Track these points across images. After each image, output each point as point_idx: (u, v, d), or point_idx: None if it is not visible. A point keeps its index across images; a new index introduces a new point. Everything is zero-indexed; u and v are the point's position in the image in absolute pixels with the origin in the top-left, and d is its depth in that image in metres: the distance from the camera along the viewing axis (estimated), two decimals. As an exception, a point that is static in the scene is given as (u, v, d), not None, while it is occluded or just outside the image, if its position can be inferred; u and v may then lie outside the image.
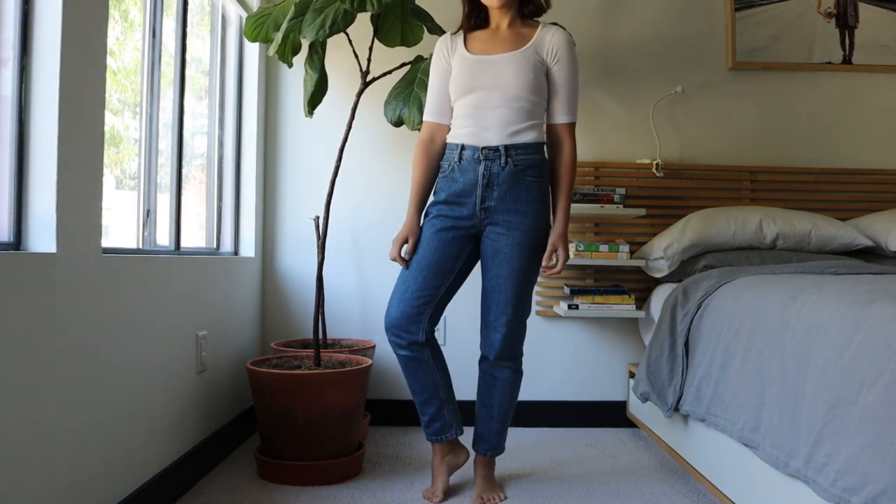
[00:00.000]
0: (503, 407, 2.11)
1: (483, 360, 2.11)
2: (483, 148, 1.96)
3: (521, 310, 2.03)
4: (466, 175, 1.98)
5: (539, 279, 2.93)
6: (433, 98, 2.09)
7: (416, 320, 2.01)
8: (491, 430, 2.12)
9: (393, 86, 2.52)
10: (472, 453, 2.16)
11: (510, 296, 2.00)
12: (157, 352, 1.89)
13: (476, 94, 1.97)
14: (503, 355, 2.05)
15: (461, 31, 2.07)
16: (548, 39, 2.01)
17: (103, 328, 1.58)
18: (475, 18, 2.06)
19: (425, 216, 2.06)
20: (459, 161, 1.99)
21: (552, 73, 2.01)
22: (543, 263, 2.02)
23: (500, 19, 2.03)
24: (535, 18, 2.08)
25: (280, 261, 2.96)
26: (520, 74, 1.95)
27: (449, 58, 2.05)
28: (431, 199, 2.06)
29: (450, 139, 2.04)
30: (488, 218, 1.99)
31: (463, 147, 1.99)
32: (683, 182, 2.96)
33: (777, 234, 2.60)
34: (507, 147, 1.95)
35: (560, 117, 2.04)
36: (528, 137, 1.98)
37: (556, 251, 2.02)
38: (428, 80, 2.14)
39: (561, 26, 2.12)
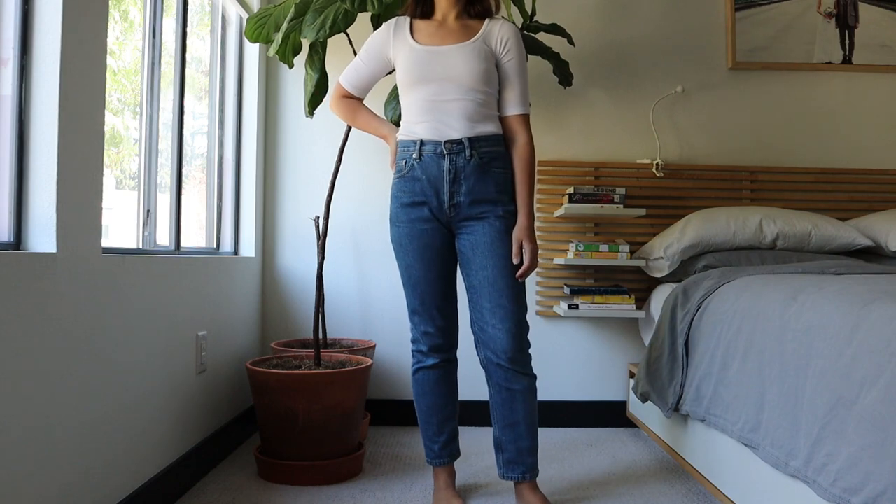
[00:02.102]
0: (529, 420, 1.94)
1: (494, 373, 1.92)
2: (446, 142, 1.88)
3: (518, 303, 1.90)
4: (429, 170, 1.89)
5: (540, 279, 2.94)
6: (360, 75, 2.05)
7: (454, 331, 2.02)
8: (523, 450, 1.94)
9: (393, 86, 2.52)
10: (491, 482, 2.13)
11: (502, 286, 1.87)
12: (157, 352, 1.89)
13: (431, 87, 1.90)
14: (515, 357, 1.88)
15: (406, 19, 2.00)
16: (496, 31, 1.96)
17: (103, 328, 1.58)
18: (422, 6, 2.00)
19: (396, 224, 1.96)
20: (420, 157, 1.90)
21: (502, 64, 1.96)
22: (514, 262, 1.90)
23: (447, 11, 1.98)
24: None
25: (280, 261, 2.96)
26: (472, 65, 1.89)
27: (390, 47, 1.98)
28: (393, 204, 1.96)
29: (404, 136, 1.95)
30: (459, 214, 1.90)
31: (422, 142, 1.90)
32: (683, 182, 2.96)
33: (777, 234, 2.60)
34: (470, 139, 1.88)
35: (514, 109, 1.97)
36: (490, 129, 1.92)
37: (521, 246, 1.89)
38: None
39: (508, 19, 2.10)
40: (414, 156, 1.91)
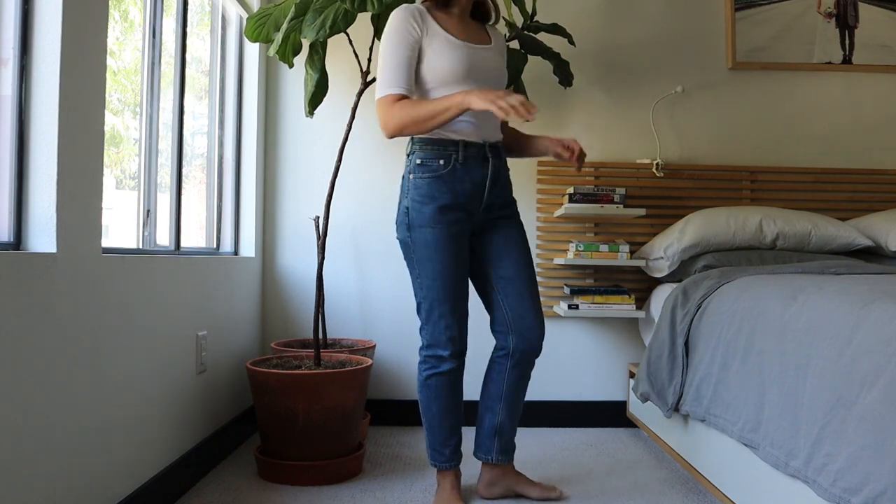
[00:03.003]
0: (522, 403, 2.09)
1: (521, 359, 2.00)
2: (490, 145, 1.91)
3: (538, 291, 2.04)
4: (473, 173, 1.88)
5: (540, 279, 2.94)
6: (403, 70, 1.80)
7: (464, 335, 1.97)
8: (515, 432, 2.07)
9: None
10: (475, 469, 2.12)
11: (532, 275, 2.00)
12: (158, 352, 1.89)
13: (473, 86, 1.82)
14: (541, 343, 2.00)
15: (423, 8, 1.88)
16: (499, 36, 2.03)
17: (103, 328, 1.58)
18: None
19: (429, 226, 1.86)
20: (464, 160, 1.86)
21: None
22: (560, 153, 1.96)
23: (465, 7, 1.93)
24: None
25: (280, 261, 2.96)
26: (503, 68, 1.96)
27: (421, 34, 1.82)
28: (426, 206, 1.86)
29: (438, 133, 1.85)
30: (490, 215, 1.96)
31: (465, 144, 1.87)
32: (683, 182, 2.96)
33: (777, 234, 2.60)
34: (500, 143, 1.97)
35: None
36: (500, 134, 2.01)
37: (560, 141, 1.98)
38: None
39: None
40: (457, 158, 1.86)
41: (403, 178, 1.93)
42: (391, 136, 1.82)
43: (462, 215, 1.90)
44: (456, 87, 1.83)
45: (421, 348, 1.96)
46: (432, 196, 1.86)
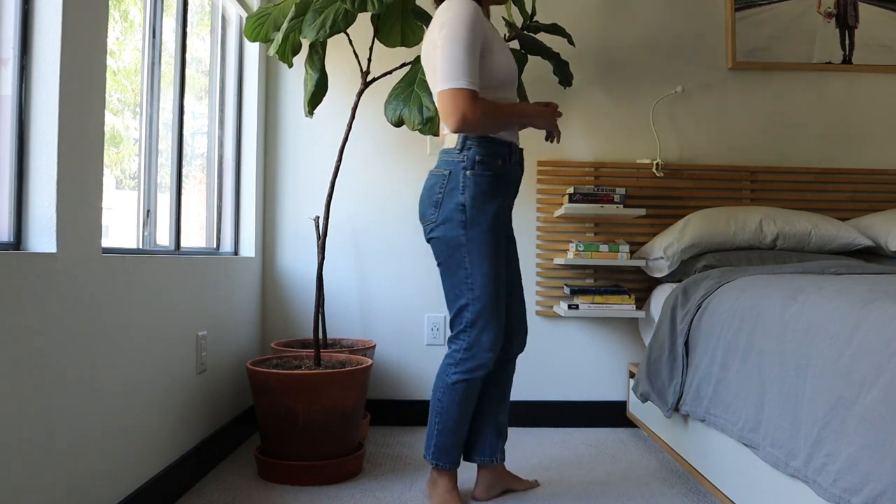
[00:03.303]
0: None
1: (514, 360, 2.07)
2: (520, 148, 1.95)
3: None
4: (515, 175, 1.92)
5: (540, 279, 2.94)
6: (476, 65, 1.70)
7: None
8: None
9: (393, 86, 2.51)
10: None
11: (521, 280, 2.07)
12: (157, 352, 1.89)
13: (513, 91, 1.90)
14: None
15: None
16: None
17: (103, 328, 1.58)
18: None
19: (492, 229, 1.81)
20: (513, 162, 1.89)
21: None
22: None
23: (489, 8, 1.94)
24: None
25: (280, 261, 2.96)
26: None
27: (485, 31, 1.76)
28: (491, 203, 1.82)
29: (499, 133, 1.85)
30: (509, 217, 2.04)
31: (515, 147, 1.90)
32: (683, 182, 2.96)
33: (777, 234, 2.60)
34: None
35: None
36: None
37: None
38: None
39: None
40: (509, 158, 1.87)
41: (450, 173, 1.81)
42: (463, 131, 1.73)
43: (509, 215, 1.96)
44: (505, 89, 1.85)
45: (455, 351, 1.87)
46: (494, 194, 1.82)
